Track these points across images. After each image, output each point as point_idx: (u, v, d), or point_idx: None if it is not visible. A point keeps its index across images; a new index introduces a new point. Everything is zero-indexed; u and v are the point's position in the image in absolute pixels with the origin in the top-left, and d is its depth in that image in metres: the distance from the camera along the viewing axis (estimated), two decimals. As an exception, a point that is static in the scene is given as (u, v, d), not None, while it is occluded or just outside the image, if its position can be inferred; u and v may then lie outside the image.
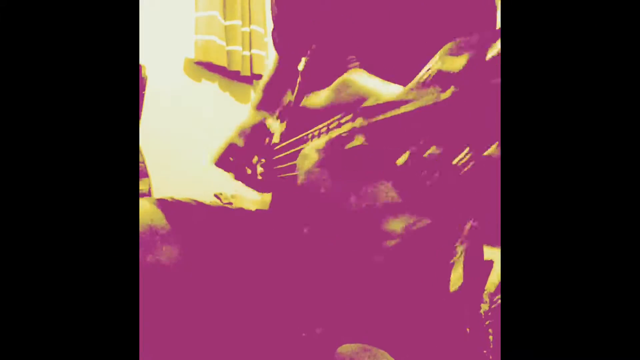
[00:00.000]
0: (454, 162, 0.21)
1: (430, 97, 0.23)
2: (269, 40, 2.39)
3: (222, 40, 2.16)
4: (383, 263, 0.48)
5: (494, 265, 0.57)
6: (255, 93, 0.91)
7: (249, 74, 2.30)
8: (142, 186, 1.59)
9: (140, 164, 1.59)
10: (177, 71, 2.16)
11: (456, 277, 0.28)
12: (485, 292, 0.58)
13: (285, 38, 0.69)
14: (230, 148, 0.84)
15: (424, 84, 0.23)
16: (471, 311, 0.50)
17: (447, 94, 0.22)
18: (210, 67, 2.21)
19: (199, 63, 2.15)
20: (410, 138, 0.24)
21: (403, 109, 0.24)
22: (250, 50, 2.30)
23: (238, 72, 2.25)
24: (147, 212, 0.54)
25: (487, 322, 0.55)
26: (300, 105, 0.34)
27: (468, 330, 0.47)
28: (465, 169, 0.21)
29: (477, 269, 0.53)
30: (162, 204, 0.56)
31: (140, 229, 0.51)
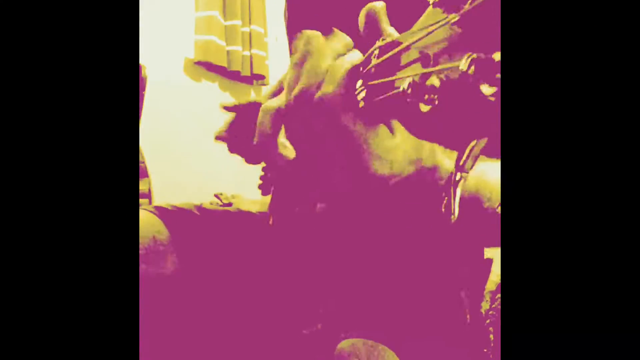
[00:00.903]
0: (460, 67, 0.20)
1: (440, 21, 0.22)
2: (269, 40, 2.39)
3: (222, 40, 2.16)
4: (385, 257, 0.48)
5: (494, 263, 0.58)
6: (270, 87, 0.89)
7: (249, 74, 2.30)
8: (142, 186, 1.59)
9: (140, 164, 1.59)
10: (177, 71, 2.16)
11: (455, 206, 0.27)
12: (486, 290, 0.58)
13: (294, 32, 0.69)
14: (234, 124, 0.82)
15: (434, 5, 0.23)
16: (472, 309, 0.50)
17: (454, 17, 0.21)
18: (210, 67, 2.21)
19: (199, 63, 2.15)
20: (417, 66, 0.24)
21: (412, 39, 0.24)
22: (250, 50, 2.29)
23: (238, 72, 2.25)
24: (148, 222, 0.54)
25: (487, 321, 0.55)
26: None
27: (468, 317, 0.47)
28: (470, 71, 0.20)
29: (477, 267, 0.53)
30: (162, 212, 0.56)
31: (142, 240, 0.51)
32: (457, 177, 0.27)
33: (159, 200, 1.81)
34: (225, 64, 2.18)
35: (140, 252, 0.50)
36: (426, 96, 0.22)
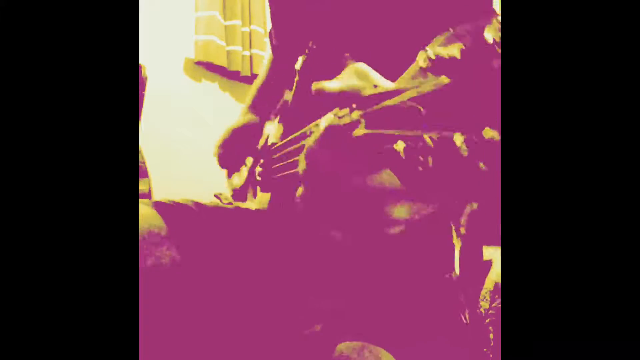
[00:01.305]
0: (458, 144, 0.21)
1: (429, 83, 0.23)
2: (268, 40, 2.39)
3: (222, 40, 2.16)
4: (383, 258, 0.49)
5: (494, 263, 0.58)
6: (248, 93, 0.91)
7: (249, 74, 2.30)
8: (142, 186, 1.59)
9: (140, 164, 1.59)
10: (177, 71, 2.16)
11: (456, 264, 0.28)
12: (486, 290, 0.58)
13: (281, 36, 0.69)
14: (225, 144, 0.84)
15: (423, 71, 0.23)
16: (471, 309, 0.50)
17: (445, 79, 0.22)
18: (210, 67, 2.21)
19: (199, 63, 2.15)
20: (409, 125, 0.24)
21: (402, 97, 0.25)
22: (250, 50, 2.29)
23: (238, 72, 2.25)
24: (146, 216, 0.54)
25: (487, 320, 0.55)
26: (313, 89, 0.34)
27: (467, 318, 0.47)
28: (464, 153, 0.21)
29: (476, 267, 0.53)
30: (161, 207, 0.56)
31: (139, 233, 0.51)
32: (455, 240, 0.27)
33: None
34: (225, 64, 2.18)
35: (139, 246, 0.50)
36: (421, 157, 0.23)
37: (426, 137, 0.23)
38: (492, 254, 0.57)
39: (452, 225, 0.27)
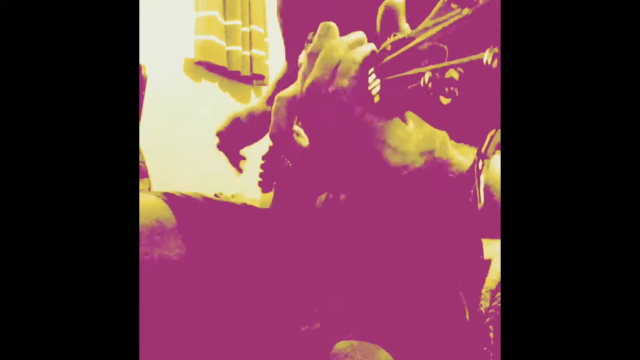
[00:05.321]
0: (484, 60, 0.20)
1: (453, 15, 0.22)
2: (269, 40, 2.39)
3: (222, 40, 2.16)
4: (383, 256, 0.49)
5: (494, 262, 0.58)
6: (267, 88, 0.92)
7: (249, 74, 2.30)
8: (142, 186, 1.59)
9: (140, 164, 1.59)
10: (177, 71, 2.16)
11: (481, 192, 0.27)
12: (486, 289, 0.58)
13: (290, 37, 0.69)
14: (235, 123, 0.84)
15: (446, 5, 0.23)
16: (471, 307, 0.50)
17: (468, 10, 0.22)
18: (210, 67, 2.21)
19: (199, 63, 2.15)
20: (432, 60, 0.24)
21: (427, 34, 0.24)
22: (250, 50, 2.29)
23: (238, 72, 2.25)
24: (155, 207, 0.54)
25: (487, 319, 0.55)
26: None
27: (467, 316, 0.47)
28: (494, 64, 0.20)
29: (476, 266, 0.53)
30: (170, 198, 0.57)
31: (148, 223, 0.51)
32: (480, 165, 0.27)
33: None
34: (225, 64, 2.18)
35: (143, 234, 0.50)
36: (446, 89, 0.23)
37: (452, 69, 0.22)
38: (492, 252, 0.57)
39: (480, 160, 0.26)
